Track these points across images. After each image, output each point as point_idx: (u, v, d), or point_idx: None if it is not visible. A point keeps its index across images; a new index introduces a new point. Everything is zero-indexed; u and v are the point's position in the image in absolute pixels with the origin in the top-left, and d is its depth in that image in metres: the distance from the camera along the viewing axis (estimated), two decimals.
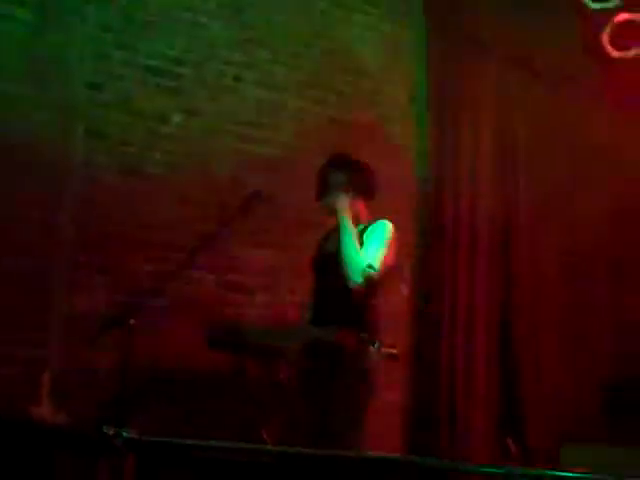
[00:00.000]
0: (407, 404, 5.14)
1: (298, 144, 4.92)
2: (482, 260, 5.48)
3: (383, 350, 3.52)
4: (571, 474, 2.49)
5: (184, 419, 4.28)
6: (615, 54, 5.58)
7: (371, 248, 3.58)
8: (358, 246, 3.58)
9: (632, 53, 5.52)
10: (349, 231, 3.60)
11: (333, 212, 3.69)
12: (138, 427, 2.90)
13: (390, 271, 3.63)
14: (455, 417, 5.18)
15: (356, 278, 3.52)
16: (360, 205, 3.74)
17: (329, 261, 3.64)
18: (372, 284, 3.55)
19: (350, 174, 3.71)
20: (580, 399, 5.50)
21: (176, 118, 4.63)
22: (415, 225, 5.34)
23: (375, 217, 3.72)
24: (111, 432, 2.85)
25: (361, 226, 3.70)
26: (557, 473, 2.54)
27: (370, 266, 3.52)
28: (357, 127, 5.11)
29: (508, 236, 5.64)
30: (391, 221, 3.67)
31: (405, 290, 5.19)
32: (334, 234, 3.69)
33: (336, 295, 3.58)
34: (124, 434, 2.85)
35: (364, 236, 3.64)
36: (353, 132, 5.04)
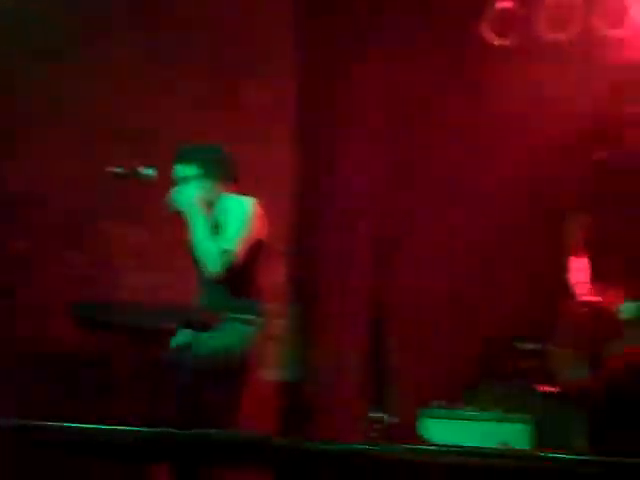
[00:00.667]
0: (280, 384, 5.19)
1: None
2: (360, 241, 5.58)
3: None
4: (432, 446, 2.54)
5: (55, 401, 4.20)
6: (496, 42, 5.72)
7: (228, 231, 3.55)
8: (210, 235, 3.55)
9: (511, 41, 5.66)
10: (198, 223, 3.56)
11: (182, 207, 3.65)
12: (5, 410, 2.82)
13: (261, 247, 3.62)
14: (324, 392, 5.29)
15: (213, 268, 3.50)
16: (223, 190, 3.70)
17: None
18: (234, 267, 3.52)
19: (201, 163, 3.67)
20: (452, 371, 5.63)
21: None
22: (294, 206, 5.40)
23: (238, 197, 3.70)
24: None
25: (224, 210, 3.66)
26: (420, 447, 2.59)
27: (227, 251, 3.50)
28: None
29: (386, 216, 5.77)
30: (260, 200, 3.65)
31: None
32: None
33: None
34: None
35: (223, 219, 3.61)
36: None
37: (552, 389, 3.38)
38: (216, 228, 3.55)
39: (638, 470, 2.27)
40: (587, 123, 4.37)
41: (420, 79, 5.71)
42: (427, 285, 5.68)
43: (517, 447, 4.51)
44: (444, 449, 2.57)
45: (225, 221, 3.57)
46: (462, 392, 5.30)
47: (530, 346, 5.00)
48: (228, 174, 3.71)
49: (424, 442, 4.72)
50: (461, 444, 4.59)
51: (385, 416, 5.12)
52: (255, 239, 3.58)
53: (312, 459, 2.56)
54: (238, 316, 3.51)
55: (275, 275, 4.89)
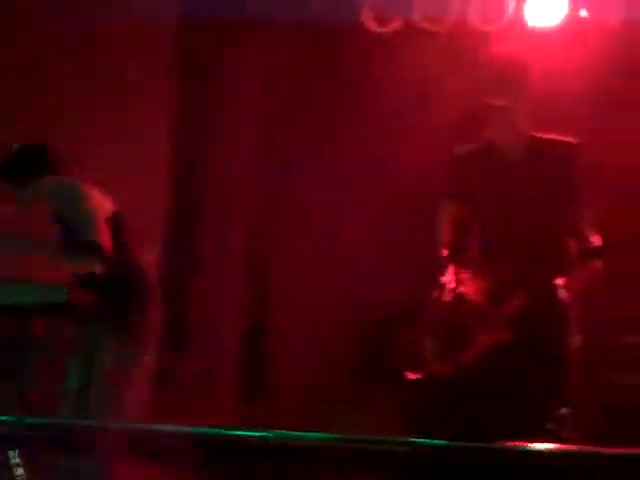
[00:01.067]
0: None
1: None
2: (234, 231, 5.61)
3: None
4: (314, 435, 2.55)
5: None
6: (377, 29, 5.77)
7: (80, 226, 3.53)
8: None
9: (394, 27, 5.72)
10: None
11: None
12: None
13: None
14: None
15: (80, 268, 3.47)
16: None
17: None
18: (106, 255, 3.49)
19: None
20: (332, 359, 5.70)
21: None
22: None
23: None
24: None
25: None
26: (295, 434, 2.59)
27: (89, 243, 3.47)
28: None
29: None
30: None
31: None
32: None
33: None
34: None
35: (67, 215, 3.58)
36: None
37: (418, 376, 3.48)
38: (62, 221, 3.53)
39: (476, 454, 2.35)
40: (457, 115, 4.47)
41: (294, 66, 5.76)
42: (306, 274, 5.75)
43: None
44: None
45: (70, 217, 3.53)
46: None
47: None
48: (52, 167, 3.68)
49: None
50: None
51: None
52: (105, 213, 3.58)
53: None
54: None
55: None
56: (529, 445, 2.57)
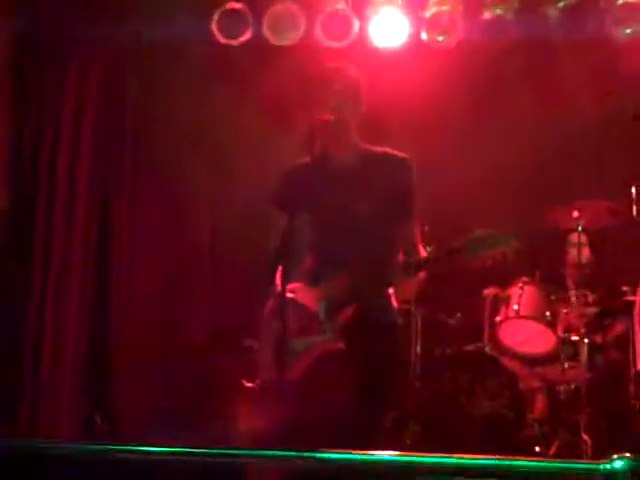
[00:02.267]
0: None
1: None
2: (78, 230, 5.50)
3: None
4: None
5: None
6: (223, 40, 5.79)
7: None
8: None
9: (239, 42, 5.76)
10: None
11: None
12: None
13: None
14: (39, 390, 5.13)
15: None
16: None
17: None
18: None
19: None
20: (172, 371, 5.68)
21: None
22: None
23: None
24: None
25: None
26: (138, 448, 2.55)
27: None
28: None
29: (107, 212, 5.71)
30: None
31: None
32: None
33: None
34: None
35: None
36: None
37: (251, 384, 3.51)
38: None
39: None
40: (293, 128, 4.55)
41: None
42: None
43: None
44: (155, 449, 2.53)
45: None
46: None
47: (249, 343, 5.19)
48: None
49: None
50: None
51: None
52: None
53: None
54: None
55: None
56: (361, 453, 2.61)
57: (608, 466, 2.25)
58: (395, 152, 3.58)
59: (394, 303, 3.59)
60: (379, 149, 3.60)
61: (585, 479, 2.35)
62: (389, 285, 3.55)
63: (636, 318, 3.90)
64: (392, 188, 3.50)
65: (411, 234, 3.58)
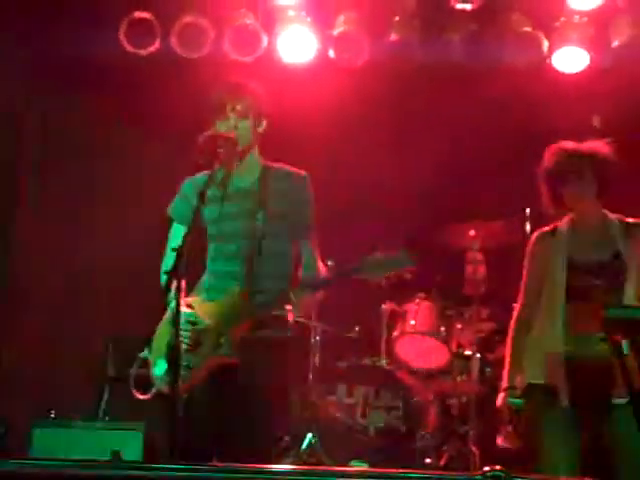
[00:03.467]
0: None
1: None
2: None
3: None
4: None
5: None
6: (132, 50, 5.78)
7: None
8: None
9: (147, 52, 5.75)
10: None
11: None
12: None
13: None
14: None
15: None
16: None
17: None
18: None
19: None
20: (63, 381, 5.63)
21: None
22: None
23: None
24: None
25: None
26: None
27: None
28: None
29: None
30: None
31: None
32: None
33: None
34: None
35: None
36: None
37: (147, 395, 3.51)
38: None
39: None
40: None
41: None
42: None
43: (129, 455, 4.58)
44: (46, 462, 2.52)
45: None
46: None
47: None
48: None
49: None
50: (73, 455, 4.55)
51: None
52: None
53: None
54: None
55: None
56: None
57: (480, 477, 2.39)
58: (293, 169, 3.65)
59: (290, 318, 3.65)
60: (277, 165, 3.66)
61: None
62: (286, 300, 3.61)
63: None
64: (290, 204, 3.57)
65: (309, 250, 3.65)
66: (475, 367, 5.22)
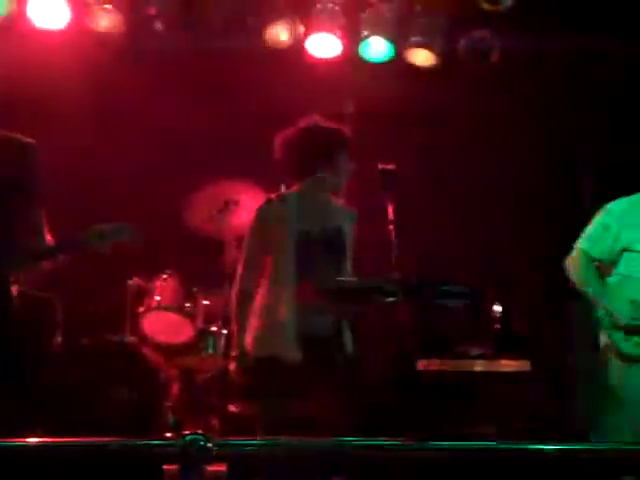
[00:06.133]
0: None
1: None
2: None
3: None
4: None
5: None
6: None
7: None
8: None
9: None
10: None
11: None
12: None
13: None
14: None
15: None
16: None
17: None
18: None
19: None
20: None
21: None
22: None
23: None
24: None
25: None
26: None
27: None
28: None
29: None
30: None
31: None
32: None
33: None
34: None
35: None
36: None
37: None
38: None
39: None
40: None
41: None
42: None
43: None
44: None
45: None
46: None
47: None
48: None
49: None
50: None
51: None
52: None
53: None
54: None
55: None
56: None
57: (181, 442, 2.45)
58: (18, 136, 3.53)
59: (13, 290, 3.54)
60: (1, 132, 3.52)
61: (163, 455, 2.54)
62: (11, 270, 3.50)
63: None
64: (13, 172, 3.45)
65: (35, 220, 3.55)
66: (221, 342, 5.29)
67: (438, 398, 5.12)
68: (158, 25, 5.72)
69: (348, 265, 3.85)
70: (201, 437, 2.45)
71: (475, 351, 5.41)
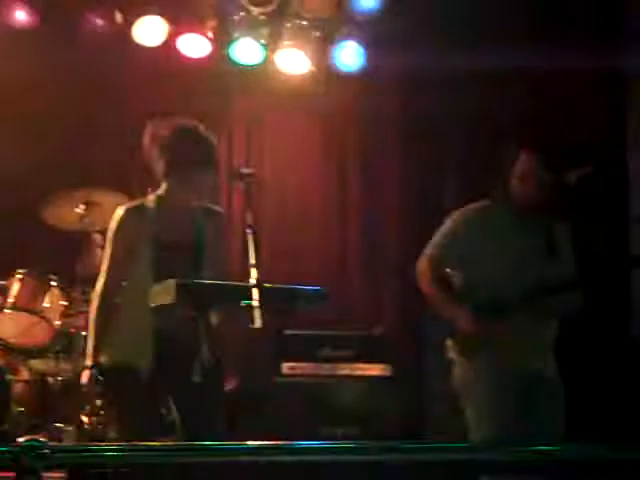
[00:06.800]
0: None
1: None
2: None
3: None
4: None
5: None
6: None
7: None
8: None
9: None
10: None
11: None
12: None
13: None
14: None
15: None
16: None
17: None
18: None
19: None
20: None
21: None
22: None
23: None
24: None
25: None
26: None
27: None
28: None
29: None
30: None
31: None
32: None
33: None
34: None
35: None
36: None
37: None
38: None
39: None
40: None
41: None
42: None
43: None
44: None
45: None
46: None
47: None
48: None
49: None
50: None
51: None
52: None
53: None
54: None
55: None
56: None
57: (15, 448, 2.34)
58: None
59: None
60: None
61: None
62: None
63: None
64: None
65: None
66: (78, 345, 5.12)
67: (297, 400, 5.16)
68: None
69: (210, 266, 3.79)
70: (37, 443, 2.36)
71: (339, 354, 5.49)
